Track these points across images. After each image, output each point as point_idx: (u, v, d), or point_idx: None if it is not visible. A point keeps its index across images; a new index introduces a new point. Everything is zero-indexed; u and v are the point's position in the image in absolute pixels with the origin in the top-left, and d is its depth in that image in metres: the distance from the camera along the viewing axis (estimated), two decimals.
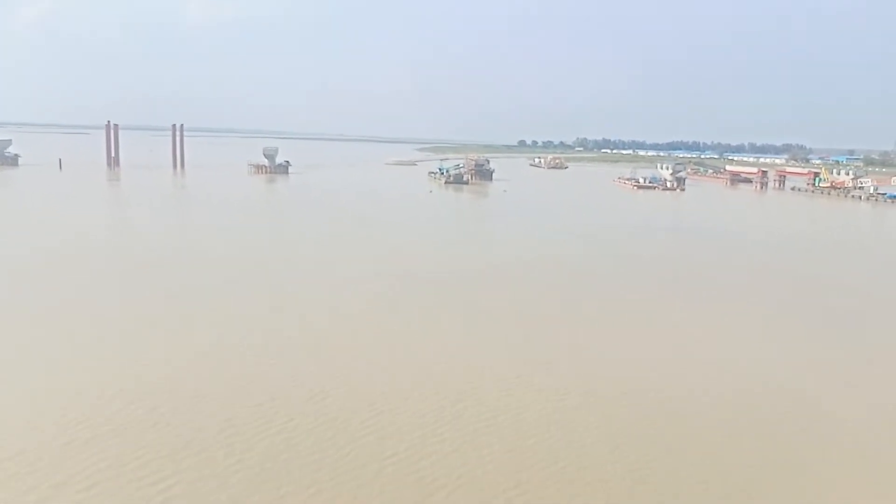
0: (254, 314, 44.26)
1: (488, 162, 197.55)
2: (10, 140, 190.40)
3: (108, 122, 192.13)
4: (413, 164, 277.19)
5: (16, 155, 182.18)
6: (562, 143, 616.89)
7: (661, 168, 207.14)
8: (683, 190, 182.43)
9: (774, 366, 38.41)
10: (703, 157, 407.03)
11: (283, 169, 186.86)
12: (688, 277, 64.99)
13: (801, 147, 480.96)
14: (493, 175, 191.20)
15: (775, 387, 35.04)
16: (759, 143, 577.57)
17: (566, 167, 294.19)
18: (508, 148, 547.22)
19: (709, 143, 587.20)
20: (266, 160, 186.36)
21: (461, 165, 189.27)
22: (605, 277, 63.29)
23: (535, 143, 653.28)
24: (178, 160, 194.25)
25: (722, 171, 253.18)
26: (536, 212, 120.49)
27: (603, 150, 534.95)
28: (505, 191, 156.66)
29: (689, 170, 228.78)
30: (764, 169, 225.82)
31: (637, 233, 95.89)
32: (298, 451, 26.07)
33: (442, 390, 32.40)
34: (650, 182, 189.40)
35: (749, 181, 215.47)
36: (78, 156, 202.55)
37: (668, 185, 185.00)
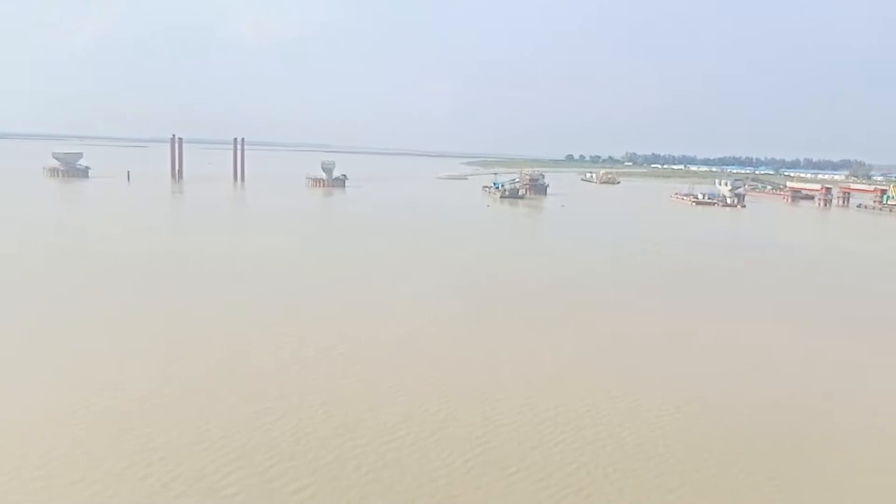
0: (346, 320, 45.06)
1: (543, 177, 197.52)
2: (81, 153, 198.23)
3: (174, 135, 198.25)
4: (464, 178, 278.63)
5: (86, 167, 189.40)
6: (610, 157, 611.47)
7: (719, 184, 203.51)
8: (744, 206, 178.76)
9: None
10: (757, 172, 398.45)
11: (341, 182, 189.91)
12: (772, 295, 63.65)
13: (861, 163, 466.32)
14: (548, 190, 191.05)
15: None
16: (815, 159, 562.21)
17: (618, 182, 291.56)
18: (556, 162, 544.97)
19: (762, 158, 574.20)
20: (324, 174, 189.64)
21: (516, 180, 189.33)
22: (687, 293, 62.47)
23: (582, 157, 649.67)
24: (238, 173, 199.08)
25: (781, 187, 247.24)
26: (601, 227, 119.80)
27: (653, 165, 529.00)
28: (563, 206, 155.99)
29: (746, 186, 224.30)
30: (828, 185, 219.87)
31: (708, 249, 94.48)
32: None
33: (561, 409, 32.52)
34: (709, 198, 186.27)
35: (811, 198, 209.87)
36: (143, 168, 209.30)
37: (728, 201, 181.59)
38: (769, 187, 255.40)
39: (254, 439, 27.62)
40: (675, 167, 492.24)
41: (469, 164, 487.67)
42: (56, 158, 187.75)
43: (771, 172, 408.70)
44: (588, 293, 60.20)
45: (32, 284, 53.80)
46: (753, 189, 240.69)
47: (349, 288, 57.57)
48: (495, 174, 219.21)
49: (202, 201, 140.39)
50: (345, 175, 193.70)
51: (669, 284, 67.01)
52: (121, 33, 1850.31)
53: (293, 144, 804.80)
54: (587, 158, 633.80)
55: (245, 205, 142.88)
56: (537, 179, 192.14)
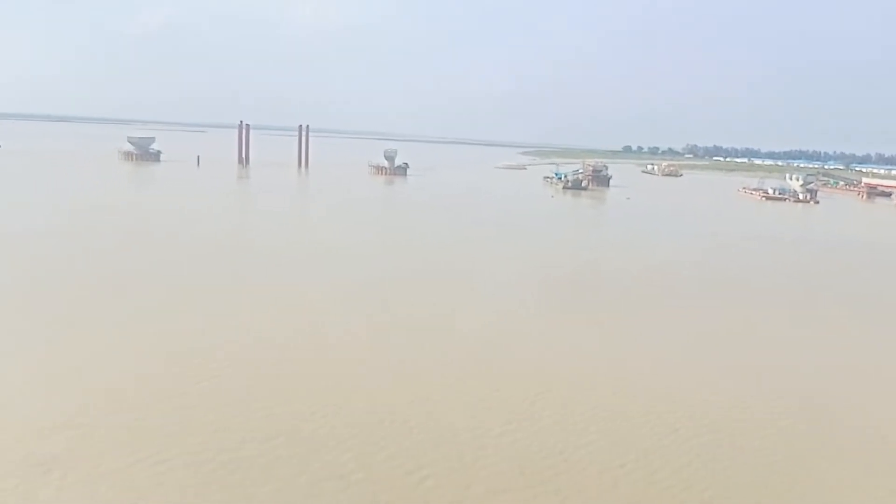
0: (428, 312, 45.34)
1: (606, 168, 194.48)
2: (154, 138, 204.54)
3: (241, 121, 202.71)
4: (522, 167, 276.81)
5: (158, 151, 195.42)
6: (670, 149, 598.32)
7: (790, 179, 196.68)
8: (817, 202, 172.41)
9: None
10: (826, 167, 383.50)
11: (402, 171, 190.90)
12: (870, 300, 61.27)
13: None
14: (610, 181, 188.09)
15: None
16: (887, 154, 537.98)
17: (681, 175, 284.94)
18: (613, 153, 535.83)
19: (830, 152, 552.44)
20: (386, 162, 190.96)
21: (580, 171, 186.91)
22: (777, 292, 60.69)
23: (640, 148, 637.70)
24: (303, 159, 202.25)
25: (856, 183, 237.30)
26: (671, 221, 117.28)
27: (714, 158, 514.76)
28: (628, 198, 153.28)
29: (817, 181, 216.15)
30: None
31: (787, 247, 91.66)
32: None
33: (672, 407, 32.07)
34: (779, 193, 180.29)
35: (887, 195, 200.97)
36: (211, 153, 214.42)
37: (801, 196, 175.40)
38: (841, 183, 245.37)
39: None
40: (738, 160, 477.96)
41: (525, 153, 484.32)
42: (130, 143, 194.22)
43: (841, 167, 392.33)
44: (676, 287, 59.07)
45: (143, 263, 55.82)
46: (825, 185, 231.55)
47: (436, 275, 57.87)
48: (557, 165, 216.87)
49: (272, 186, 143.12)
50: (406, 163, 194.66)
51: (758, 281, 65.20)
52: (184, 17, 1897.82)
53: (351, 132, 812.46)
54: (645, 150, 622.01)
55: (315, 191, 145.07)
56: (600, 171, 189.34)
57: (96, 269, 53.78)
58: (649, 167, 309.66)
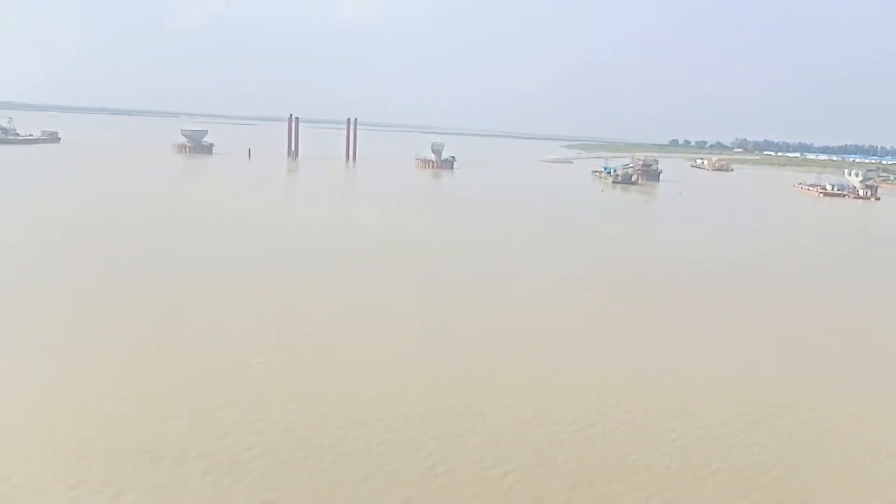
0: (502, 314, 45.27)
1: (657, 162, 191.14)
2: (206, 131, 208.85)
3: (290, 115, 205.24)
4: (569, 161, 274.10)
5: (210, 144, 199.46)
6: (718, 143, 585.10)
7: (849, 174, 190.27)
8: (878, 199, 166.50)
9: None
10: (883, 162, 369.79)
11: (449, 164, 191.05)
12: None
13: None
14: (660, 176, 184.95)
15: None
16: None
17: (731, 170, 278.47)
18: (660, 147, 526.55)
19: (888, 147, 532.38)
20: (433, 155, 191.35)
21: (630, 165, 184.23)
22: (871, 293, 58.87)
23: (686, 142, 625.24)
24: (350, 152, 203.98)
25: None
26: (729, 217, 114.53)
27: (765, 152, 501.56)
28: (681, 193, 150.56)
29: (877, 177, 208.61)
30: None
31: (858, 245, 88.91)
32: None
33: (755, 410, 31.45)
34: (838, 189, 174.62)
35: None
36: (261, 146, 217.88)
37: (860, 193, 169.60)
38: None
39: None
40: (790, 155, 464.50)
41: (569, 146, 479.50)
42: (184, 135, 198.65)
43: None
44: (749, 289, 57.77)
45: (213, 249, 57.21)
46: (884, 180, 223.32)
47: (496, 271, 57.83)
48: (605, 159, 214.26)
49: (324, 179, 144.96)
50: (453, 157, 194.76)
51: (836, 281, 63.38)
52: (233, 10, 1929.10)
53: (392, 125, 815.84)
54: (692, 144, 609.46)
55: (365, 184, 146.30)
56: (650, 165, 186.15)
57: (193, 259, 55.27)
58: (699, 162, 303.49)
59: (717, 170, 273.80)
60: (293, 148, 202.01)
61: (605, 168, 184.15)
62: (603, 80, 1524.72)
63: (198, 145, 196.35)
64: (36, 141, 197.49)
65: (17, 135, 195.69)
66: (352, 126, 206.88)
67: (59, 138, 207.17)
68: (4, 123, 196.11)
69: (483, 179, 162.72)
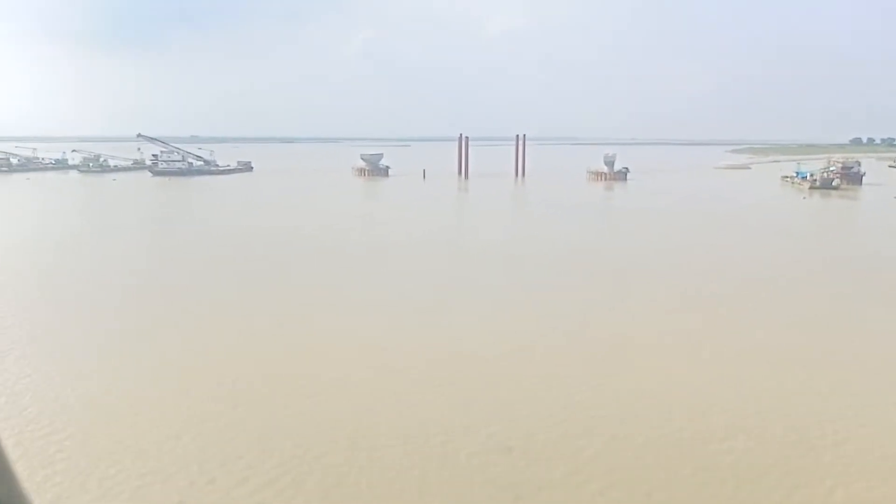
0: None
1: (859, 164, 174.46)
2: (382, 154, 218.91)
3: (461, 134, 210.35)
4: (746, 167, 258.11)
5: (387, 166, 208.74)
6: None
7: None
8: None
9: None
10: None
11: (623, 175, 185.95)
12: None
13: None
14: (863, 179, 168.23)
15: None
16: None
17: None
18: (840, 147, 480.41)
19: None
20: (605, 167, 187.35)
21: (830, 168, 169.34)
22: None
23: (871, 140, 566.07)
24: (519, 168, 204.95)
25: None
26: None
27: None
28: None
29: None
30: None
31: None
32: None
33: None
34: None
35: None
36: (431, 167, 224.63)
37: None
38: None
39: None
40: None
41: (735, 151, 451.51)
42: (363, 159, 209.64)
43: None
44: None
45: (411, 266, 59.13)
46: None
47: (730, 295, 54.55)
48: (795, 162, 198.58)
49: (499, 197, 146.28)
50: (627, 168, 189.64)
51: None
52: (378, 45, 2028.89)
53: (550, 138, 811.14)
54: (877, 142, 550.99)
55: (543, 200, 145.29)
56: (851, 167, 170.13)
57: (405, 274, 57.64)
58: None
59: None
60: (464, 166, 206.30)
61: (799, 173, 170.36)
62: (767, 83, 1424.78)
63: (375, 168, 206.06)
64: (234, 170, 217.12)
65: (217, 165, 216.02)
66: (520, 142, 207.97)
67: (252, 167, 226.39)
68: (207, 156, 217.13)
69: (663, 190, 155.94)
